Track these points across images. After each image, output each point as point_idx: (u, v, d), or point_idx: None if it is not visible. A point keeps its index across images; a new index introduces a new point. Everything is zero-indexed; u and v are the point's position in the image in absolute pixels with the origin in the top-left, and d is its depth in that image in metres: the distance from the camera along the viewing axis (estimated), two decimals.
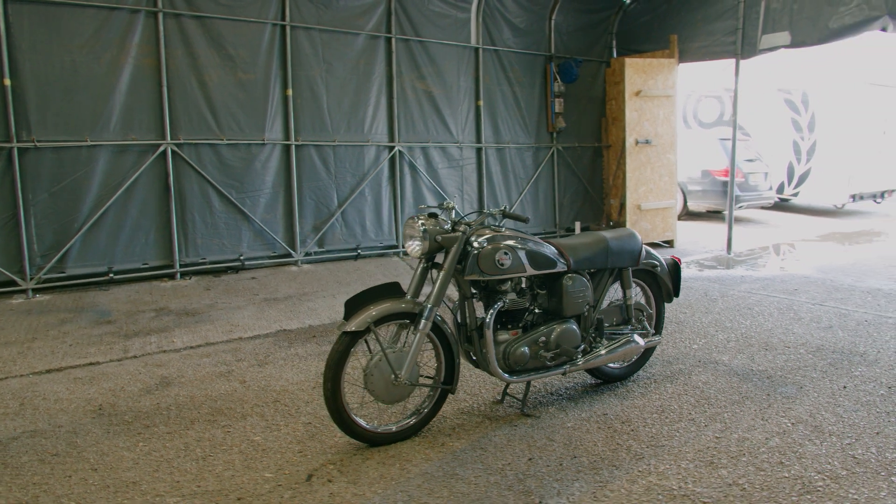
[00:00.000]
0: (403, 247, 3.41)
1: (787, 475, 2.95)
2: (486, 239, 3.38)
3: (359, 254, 7.77)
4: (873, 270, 7.48)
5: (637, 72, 8.69)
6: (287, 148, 7.18)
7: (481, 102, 8.56)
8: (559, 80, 9.22)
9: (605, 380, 4.09)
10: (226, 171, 6.82)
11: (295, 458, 3.16)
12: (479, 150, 8.67)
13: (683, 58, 8.98)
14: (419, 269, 3.44)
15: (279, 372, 4.37)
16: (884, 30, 7.22)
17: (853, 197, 12.36)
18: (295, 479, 2.95)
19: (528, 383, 3.73)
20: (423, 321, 3.23)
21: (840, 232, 10.75)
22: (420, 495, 2.80)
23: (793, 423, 3.48)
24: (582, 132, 9.69)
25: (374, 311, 3.17)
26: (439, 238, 3.32)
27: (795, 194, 12.90)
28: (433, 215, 3.37)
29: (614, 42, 9.91)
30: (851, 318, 5.49)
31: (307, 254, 7.45)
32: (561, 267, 3.63)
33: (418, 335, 3.23)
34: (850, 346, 4.77)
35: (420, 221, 3.31)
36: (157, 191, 6.49)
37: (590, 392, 3.96)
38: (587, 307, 3.78)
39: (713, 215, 12.52)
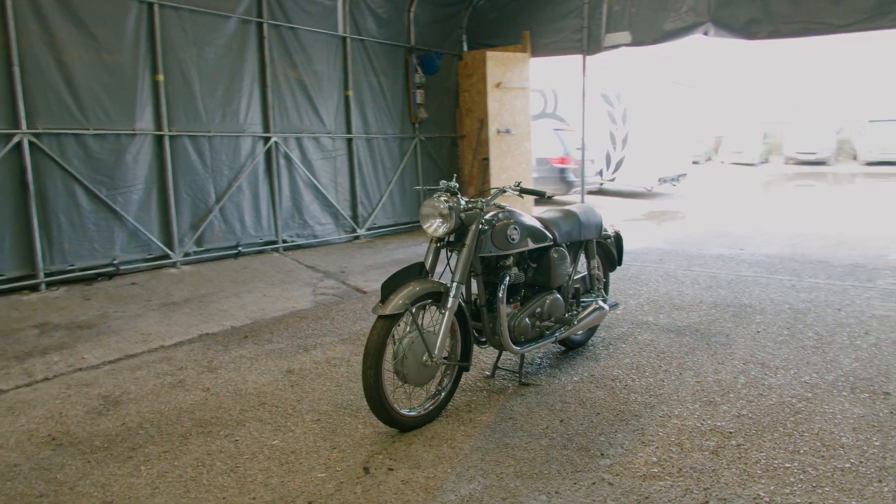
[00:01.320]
0: (424, 227, 3.31)
1: (772, 403, 3.43)
2: (494, 215, 3.46)
3: (240, 251, 7.28)
4: (706, 241, 8.70)
5: (497, 64, 9.16)
6: (160, 139, 6.50)
7: (350, 92, 8.44)
8: (420, 71, 9.39)
9: (570, 346, 4.35)
10: (93, 165, 6.00)
11: (334, 454, 2.98)
12: (349, 141, 8.55)
13: (535, 52, 9.63)
14: (432, 249, 3.41)
15: (238, 375, 4.02)
16: (706, 34, 8.41)
17: (660, 180, 14.13)
18: (352, 474, 2.80)
19: (523, 355, 3.87)
20: (450, 299, 3.22)
21: (656, 211, 12.27)
22: (489, 468, 2.82)
23: (744, 364, 4.02)
24: (441, 123, 9.97)
25: (408, 292, 3.09)
26: (463, 216, 3.32)
27: (613, 179, 14.43)
28: (452, 192, 3.35)
29: (464, 36, 10.30)
30: (720, 279, 6.37)
31: (186, 254, 6.82)
32: (549, 241, 3.81)
33: (447, 313, 3.21)
34: (736, 300, 5.56)
35: (443, 199, 3.27)
36: (12, 189, 5.53)
37: (563, 359, 4.20)
38: (567, 278, 4.01)
39: (547, 200, 13.56)
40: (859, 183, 19.55)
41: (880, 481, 2.66)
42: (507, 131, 9.45)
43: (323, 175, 8.22)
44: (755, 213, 11.96)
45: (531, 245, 3.64)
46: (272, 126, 7.51)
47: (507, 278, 3.56)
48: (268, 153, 7.51)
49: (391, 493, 2.64)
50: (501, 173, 9.46)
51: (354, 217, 8.69)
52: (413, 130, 9.53)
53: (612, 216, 11.63)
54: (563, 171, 12.51)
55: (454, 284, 3.23)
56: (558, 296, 3.90)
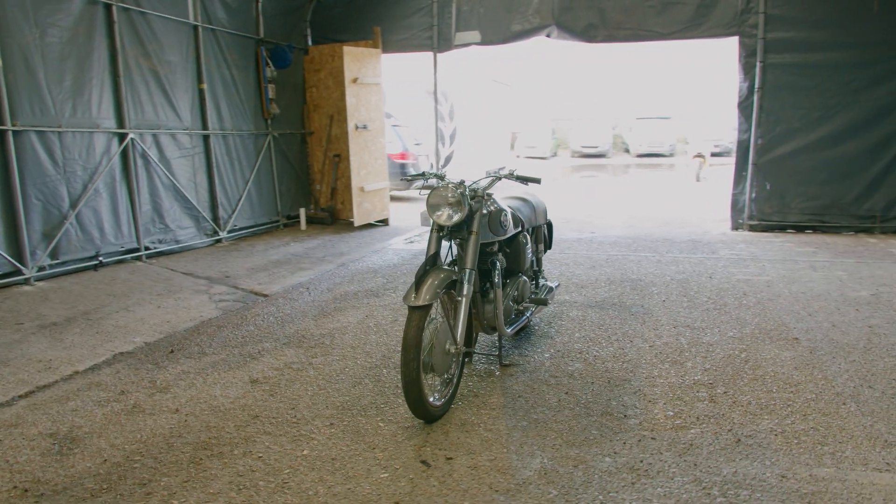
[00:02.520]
0: (434, 216, 3.27)
1: (722, 356, 3.95)
2: (489, 203, 3.55)
3: (100, 262, 6.45)
4: (557, 227, 9.45)
5: (353, 59, 9.08)
6: (2, 135, 5.54)
7: (204, 86, 7.84)
8: (271, 65, 8.99)
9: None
10: None
11: (379, 454, 2.88)
12: (206, 138, 7.94)
13: (386, 49, 9.69)
14: (434, 238, 3.40)
15: (201, 392, 3.66)
16: (549, 36, 9.13)
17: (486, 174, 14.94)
18: (414, 469, 2.74)
19: (500, 337, 4.00)
20: (465, 286, 3.25)
21: None
22: (539, 442, 2.93)
23: (675, 328, 4.55)
24: (291, 119, 9.64)
25: (435, 281, 3.07)
26: (472, 204, 3.35)
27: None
28: (460, 181, 3.37)
29: (309, 30, 10.04)
30: (596, 259, 7.04)
31: (40, 268, 5.89)
32: (521, 227, 3.99)
33: (465, 300, 3.24)
34: (624, 276, 6.20)
35: (451, 186, 3.28)
36: None
37: (522, 340, 4.41)
38: (531, 262, 4.22)
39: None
40: (633, 173, 22.37)
41: (844, 403, 3.23)
42: (365, 127, 9.42)
43: (182, 175, 7.55)
44: (573, 200, 13.20)
45: (512, 231, 3.78)
46: (127, 121, 6.74)
47: (498, 264, 3.66)
48: (124, 151, 6.73)
49: (469, 479, 2.64)
50: (361, 169, 9.40)
51: (215, 219, 8.10)
52: (266, 126, 9.10)
53: None
54: (403, 166, 12.72)
55: (467, 271, 3.27)
56: (525, 279, 4.10)
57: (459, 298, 3.24)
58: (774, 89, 8.37)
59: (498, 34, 9.27)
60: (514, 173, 3.55)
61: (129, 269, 6.58)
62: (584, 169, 24.46)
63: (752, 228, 8.70)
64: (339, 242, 8.29)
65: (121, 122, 6.69)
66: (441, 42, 9.51)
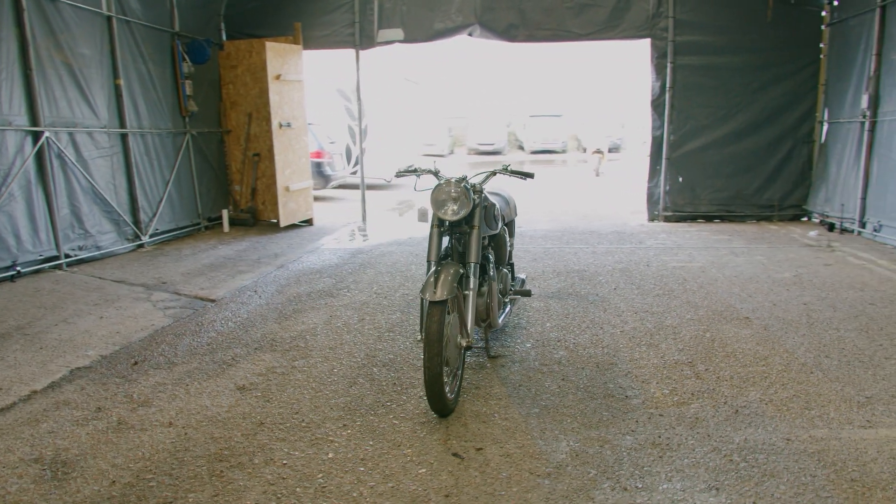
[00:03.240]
0: (440, 212, 3.27)
1: (690, 336, 4.24)
2: (484, 197, 3.61)
3: (18, 272, 5.92)
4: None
5: (276, 55, 8.82)
6: None
7: (121, 81, 7.36)
8: (188, 59, 8.57)
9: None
10: None
11: (409, 451, 2.88)
12: (124, 137, 7.46)
13: (307, 45, 9.48)
14: (435, 234, 3.41)
15: (189, 403, 3.48)
16: (471, 34, 9.29)
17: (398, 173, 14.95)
18: (450, 463, 2.77)
19: (487, 329, 4.07)
20: (472, 279, 3.30)
21: (406, 200, 13.04)
22: (558, 427, 3.04)
23: (636, 313, 4.82)
24: (208, 117, 9.23)
25: (449, 276, 3.09)
26: (476, 198, 3.39)
27: (355, 172, 14.79)
28: (462, 177, 3.39)
29: (223, 24, 9.65)
30: (536, 252, 7.27)
31: None
32: (504, 221, 4.08)
33: (472, 293, 3.29)
34: (568, 267, 6.47)
35: (454, 181, 3.30)
36: None
37: (499, 331, 4.50)
38: (509, 254, 4.33)
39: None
40: (529, 169, 23.12)
41: (812, 372, 3.57)
42: (289, 125, 9.18)
43: (101, 176, 7.05)
44: None
45: (501, 225, 3.87)
46: (42, 118, 6.21)
47: (491, 257, 3.74)
48: (39, 152, 6.19)
49: (507, 467, 2.70)
50: (285, 168, 9.16)
51: (136, 223, 7.63)
52: (184, 125, 8.66)
53: (373, 207, 12.05)
54: (319, 165, 12.49)
55: (472, 265, 3.32)
56: (506, 270, 4.20)
57: (466, 292, 3.28)
58: (684, 89, 8.97)
59: (421, 32, 9.32)
60: (509, 168, 3.63)
61: (52, 278, 6.07)
62: (482, 166, 24.92)
63: (667, 219, 9.27)
64: (268, 244, 8.05)
65: (34, 119, 6.16)
66: (363, 39, 9.44)
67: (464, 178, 3.37)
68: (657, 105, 9.17)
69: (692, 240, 7.76)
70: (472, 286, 3.28)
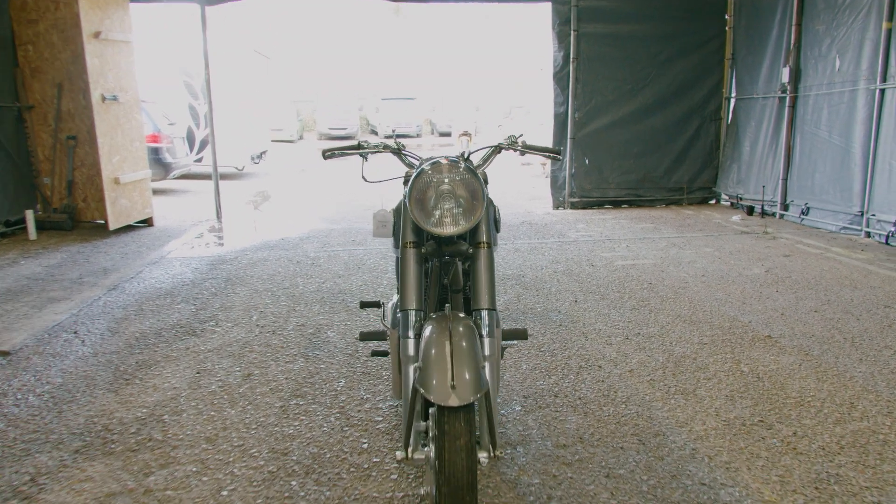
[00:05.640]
0: (424, 223, 1.79)
1: (754, 375, 3.11)
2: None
3: None
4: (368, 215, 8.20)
5: (94, 7, 6.68)
6: None
7: None
8: None
9: None
10: None
11: None
12: None
13: None
14: (413, 260, 1.95)
15: None
16: None
17: (253, 158, 12.96)
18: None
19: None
20: (488, 342, 1.88)
21: (262, 191, 11.20)
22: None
23: (621, 332, 3.64)
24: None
25: (467, 348, 1.67)
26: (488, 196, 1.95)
27: (200, 159, 12.57)
28: (461, 154, 1.93)
29: None
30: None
31: None
32: None
33: (494, 365, 1.87)
34: (504, 273, 5.20)
35: (451, 162, 1.84)
36: None
37: None
38: None
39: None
40: (380, 155, 21.73)
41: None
42: (115, 98, 7.07)
43: None
44: (352, 185, 11.98)
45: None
46: None
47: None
48: None
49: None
50: (113, 155, 7.06)
51: None
52: None
53: (231, 201, 10.07)
54: (157, 151, 10.24)
55: (486, 313, 1.91)
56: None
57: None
58: (589, 60, 8.03)
59: None
60: (523, 141, 2.19)
61: None
62: None
63: (574, 206, 8.34)
64: (94, 254, 6.02)
65: None
66: None
67: (467, 158, 1.92)
68: (560, 78, 8.16)
69: (616, 230, 6.82)
70: (487, 350, 1.84)
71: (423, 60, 33.01)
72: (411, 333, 1.80)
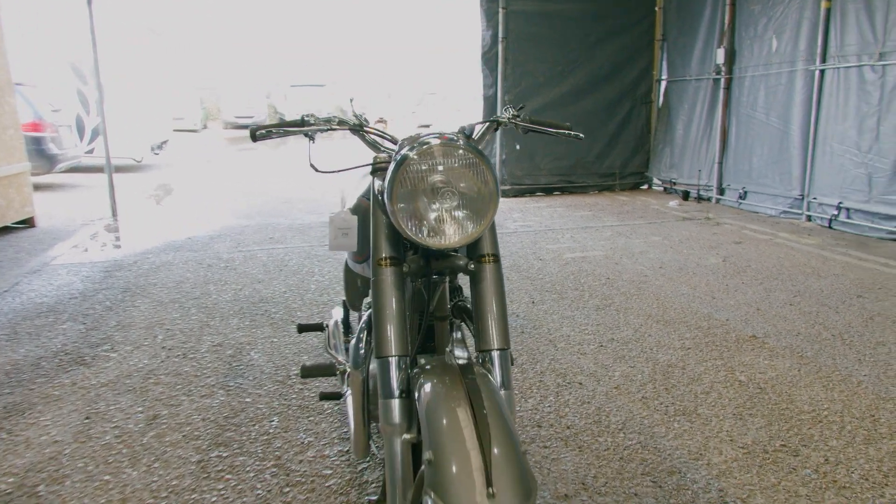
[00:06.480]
0: (414, 234, 1.24)
1: (754, 386, 2.74)
2: None
3: None
4: (280, 209, 7.50)
5: None
6: None
7: None
8: None
9: None
10: None
11: None
12: None
13: None
14: (390, 280, 1.38)
15: None
16: None
17: (152, 149, 11.84)
18: None
19: None
20: (502, 397, 1.35)
21: (164, 184, 10.22)
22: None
23: (628, 344, 3.22)
24: None
25: (495, 419, 1.12)
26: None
27: (91, 151, 11.32)
28: (461, 130, 1.37)
29: None
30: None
31: None
32: None
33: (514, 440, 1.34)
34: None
35: (447, 141, 1.28)
36: None
37: None
38: None
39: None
40: (291, 145, 20.71)
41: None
42: None
43: None
44: (264, 176, 11.16)
45: None
46: None
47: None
48: None
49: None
50: None
51: None
52: None
53: (127, 195, 9.04)
54: (39, 141, 9.03)
55: (498, 354, 1.38)
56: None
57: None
58: (519, 40, 7.61)
59: None
60: (528, 115, 1.64)
61: None
62: (242, 141, 21.93)
63: (505, 194, 7.94)
64: None
65: None
66: None
67: (469, 135, 1.37)
68: (488, 59, 7.71)
69: (555, 219, 6.45)
70: (504, 413, 1.31)
71: (335, 45, 31.93)
72: (397, 391, 1.26)
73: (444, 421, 1.06)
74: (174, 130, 26.79)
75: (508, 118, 1.59)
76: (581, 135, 1.66)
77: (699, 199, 7.32)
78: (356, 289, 2.16)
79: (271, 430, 2.43)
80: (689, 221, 6.20)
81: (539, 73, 7.73)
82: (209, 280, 4.49)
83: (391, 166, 1.26)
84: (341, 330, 2.45)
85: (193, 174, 11.53)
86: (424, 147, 1.23)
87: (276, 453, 2.28)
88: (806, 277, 4.26)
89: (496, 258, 1.40)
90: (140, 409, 2.63)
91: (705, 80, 7.20)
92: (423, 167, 1.22)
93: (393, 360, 1.29)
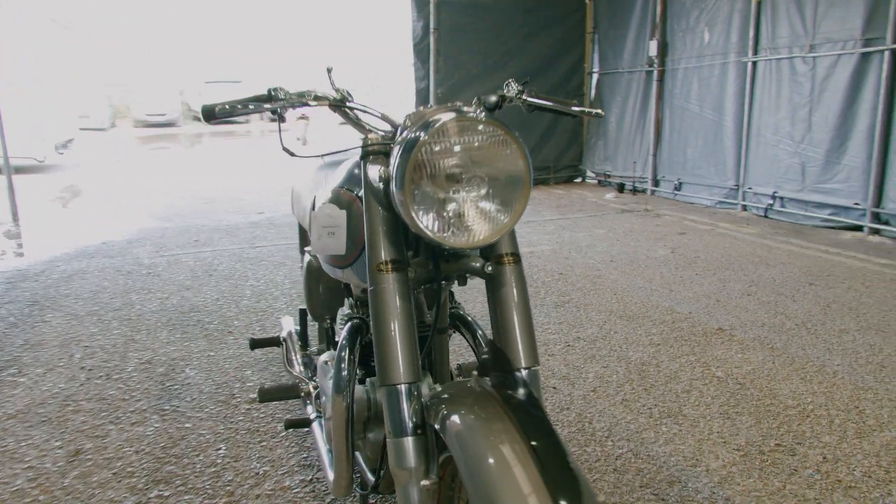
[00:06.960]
0: (429, 230, 0.99)
1: (725, 378, 2.62)
2: None
3: None
4: (212, 210, 7.06)
5: None
6: None
7: None
8: None
9: None
10: None
11: None
12: None
13: None
14: (392, 287, 1.13)
15: None
16: None
17: (57, 148, 10.97)
18: None
19: None
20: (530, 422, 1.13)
21: (71, 185, 9.48)
22: None
23: (594, 342, 3.07)
24: None
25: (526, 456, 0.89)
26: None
27: None
28: (481, 102, 1.14)
29: None
30: None
31: None
32: None
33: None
34: None
35: (462, 116, 1.03)
36: None
37: None
38: None
39: None
40: (207, 142, 19.89)
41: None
42: None
43: None
44: (179, 177, 10.54)
45: None
46: None
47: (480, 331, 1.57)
48: None
49: None
50: None
51: None
52: None
53: (28, 199, 8.28)
54: None
55: (524, 375, 1.15)
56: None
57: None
58: (451, 31, 7.42)
59: None
60: (535, 91, 1.41)
61: None
62: (154, 140, 20.77)
63: None
64: None
65: None
66: None
67: (493, 107, 1.14)
68: (420, 50, 7.48)
69: None
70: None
71: (252, 42, 30.87)
72: (410, 426, 1.01)
73: (495, 469, 0.82)
74: (80, 129, 25.19)
75: (515, 94, 1.36)
76: (600, 111, 1.45)
77: (634, 191, 7.35)
78: (319, 296, 1.90)
79: (219, 461, 2.13)
80: (629, 213, 6.19)
81: (472, 65, 7.56)
82: (130, 289, 4.06)
83: (397, 149, 1.02)
84: (297, 343, 2.17)
85: (103, 174, 10.74)
86: (436, 126, 0.99)
87: (228, 488, 1.98)
88: (756, 267, 4.27)
89: (517, 258, 1.18)
90: (58, 443, 2.26)
91: (638, 72, 7.23)
92: (442, 148, 0.98)
93: (403, 389, 1.04)
